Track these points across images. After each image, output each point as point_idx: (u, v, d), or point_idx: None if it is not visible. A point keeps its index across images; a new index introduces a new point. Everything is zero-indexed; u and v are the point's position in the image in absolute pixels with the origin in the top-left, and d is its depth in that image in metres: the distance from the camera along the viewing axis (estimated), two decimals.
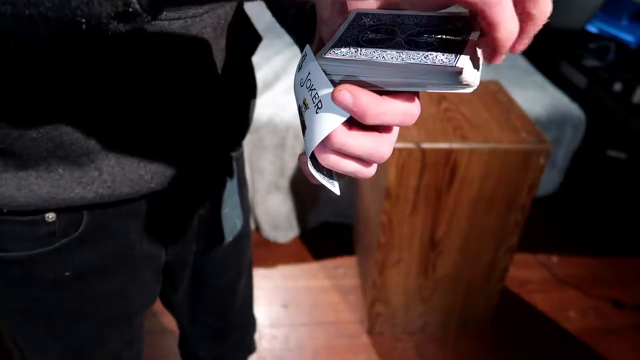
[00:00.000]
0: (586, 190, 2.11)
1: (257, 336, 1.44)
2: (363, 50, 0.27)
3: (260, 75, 1.73)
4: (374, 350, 1.44)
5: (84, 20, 0.24)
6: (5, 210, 0.46)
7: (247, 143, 1.58)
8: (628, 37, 2.31)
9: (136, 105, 0.45)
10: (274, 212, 1.72)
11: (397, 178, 1.13)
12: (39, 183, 0.44)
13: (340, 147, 0.28)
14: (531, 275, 1.72)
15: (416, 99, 0.29)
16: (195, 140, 0.51)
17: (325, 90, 0.28)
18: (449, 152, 1.10)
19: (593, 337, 1.50)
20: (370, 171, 0.31)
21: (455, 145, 1.10)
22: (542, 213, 1.91)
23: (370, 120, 0.27)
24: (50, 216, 0.47)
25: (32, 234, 0.48)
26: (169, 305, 0.76)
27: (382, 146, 0.29)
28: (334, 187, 0.33)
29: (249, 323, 0.86)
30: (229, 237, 0.65)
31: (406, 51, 0.26)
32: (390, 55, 0.26)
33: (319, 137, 0.29)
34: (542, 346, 1.48)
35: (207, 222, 0.63)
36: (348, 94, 0.27)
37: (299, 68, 0.31)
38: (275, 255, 1.75)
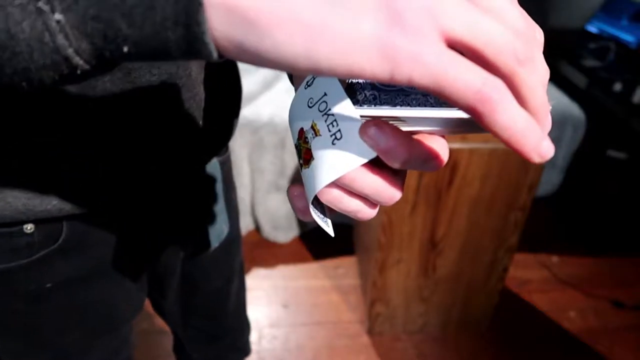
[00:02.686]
0: (586, 190, 2.11)
1: (257, 336, 1.44)
2: (396, 103, 0.24)
3: (261, 75, 1.73)
4: (374, 350, 1.44)
5: (24, 84, 0.22)
6: None
7: (247, 143, 1.58)
8: (628, 37, 2.31)
9: (112, 120, 0.43)
10: (274, 212, 1.72)
11: None
12: (15, 195, 0.43)
13: (349, 183, 0.25)
14: (531, 275, 1.72)
15: (446, 142, 0.26)
16: (175, 151, 0.49)
17: (350, 121, 0.24)
18: (449, 152, 1.10)
19: (593, 337, 1.50)
20: (372, 213, 0.27)
21: (455, 145, 1.10)
22: (542, 213, 1.91)
23: (400, 165, 0.23)
24: (29, 227, 0.46)
25: (10, 245, 0.46)
26: (160, 311, 0.75)
27: (394, 186, 0.26)
28: (328, 227, 0.28)
29: (243, 326, 0.85)
30: (215, 243, 0.64)
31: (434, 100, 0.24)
32: (422, 106, 0.24)
33: (333, 175, 0.24)
34: (542, 346, 1.48)
35: (192, 229, 0.62)
36: (381, 133, 0.23)
37: (308, 85, 0.26)
38: (275, 255, 1.75)
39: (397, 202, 1.18)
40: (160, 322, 0.79)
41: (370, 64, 0.19)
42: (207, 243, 0.63)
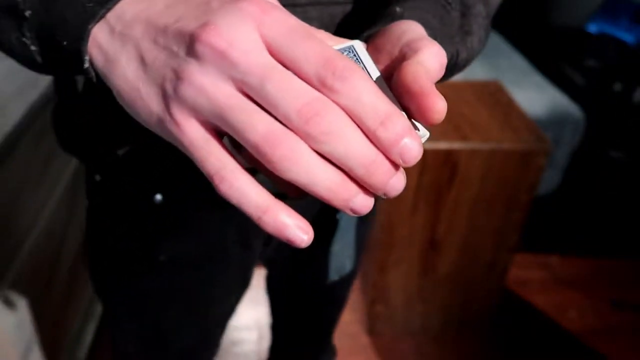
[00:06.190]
0: (586, 190, 2.11)
1: (257, 336, 1.44)
2: None
3: None
4: (374, 350, 1.44)
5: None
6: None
7: None
8: (628, 37, 2.31)
9: None
10: None
11: None
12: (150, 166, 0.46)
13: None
14: (531, 275, 1.72)
15: None
16: None
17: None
18: (449, 152, 1.10)
19: (593, 337, 1.50)
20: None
21: (455, 145, 1.10)
22: (542, 213, 1.91)
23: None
24: (159, 197, 0.48)
25: (141, 214, 0.50)
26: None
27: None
28: None
29: (327, 349, 0.88)
30: (334, 276, 0.61)
31: None
32: None
33: None
34: (542, 346, 1.48)
35: (311, 255, 0.60)
36: None
37: None
38: None
39: (397, 202, 1.18)
40: None
41: (160, 131, 0.24)
42: (326, 273, 0.61)
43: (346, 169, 0.21)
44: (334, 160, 0.21)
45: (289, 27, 0.21)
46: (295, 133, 0.20)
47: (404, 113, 0.23)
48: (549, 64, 2.30)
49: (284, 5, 0.38)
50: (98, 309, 1.36)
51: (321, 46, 0.21)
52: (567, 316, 1.58)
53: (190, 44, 0.21)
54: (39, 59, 0.26)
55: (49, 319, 1.02)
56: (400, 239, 1.25)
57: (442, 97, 0.22)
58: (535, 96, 1.80)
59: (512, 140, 1.13)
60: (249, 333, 1.46)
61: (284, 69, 0.21)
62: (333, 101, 0.21)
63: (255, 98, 0.21)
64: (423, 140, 0.24)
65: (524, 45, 2.18)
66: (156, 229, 0.51)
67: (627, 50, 2.29)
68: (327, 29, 0.40)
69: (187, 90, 0.21)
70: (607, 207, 2.04)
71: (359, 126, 0.21)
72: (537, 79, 1.96)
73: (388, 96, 0.23)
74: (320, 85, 0.21)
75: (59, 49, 0.25)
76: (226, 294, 0.62)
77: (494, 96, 1.33)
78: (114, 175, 0.49)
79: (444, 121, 1.04)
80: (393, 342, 1.47)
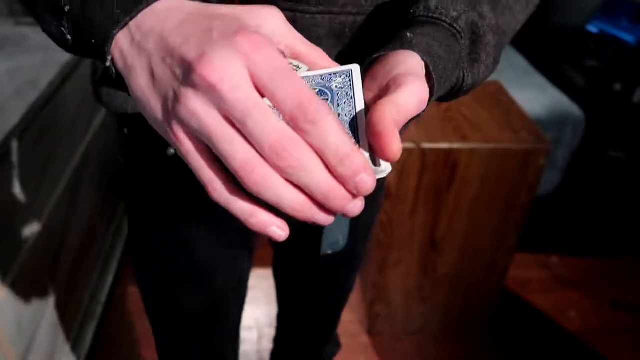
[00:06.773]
0: (586, 190, 2.11)
1: (257, 336, 1.45)
2: None
3: None
4: (374, 350, 1.44)
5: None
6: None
7: None
8: (628, 37, 2.31)
9: None
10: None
11: (397, 178, 1.13)
12: None
13: None
14: (531, 275, 1.72)
15: None
16: None
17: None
18: (449, 152, 1.10)
19: (593, 337, 1.50)
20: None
21: (455, 145, 1.10)
22: (542, 213, 1.91)
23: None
24: (172, 150, 0.52)
25: (159, 165, 0.55)
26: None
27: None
28: None
29: (330, 339, 0.88)
30: (326, 250, 0.63)
31: None
32: None
33: None
34: (542, 346, 1.48)
35: (309, 231, 0.62)
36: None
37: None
38: None
39: (397, 202, 1.18)
40: None
41: (164, 135, 0.28)
42: (319, 247, 0.63)
43: (309, 194, 0.25)
44: (299, 186, 0.25)
45: (274, 67, 0.24)
46: (267, 163, 0.24)
47: (367, 151, 0.27)
48: (549, 64, 2.30)
49: (294, 12, 0.41)
50: (98, 309, 1.36)
51: (299, 89, 0.24)
52: (567, 316, 1.58)
53: (188, 73, 0.25)
54: (72, 46, 0.31)
55: (49, 319, 1.02)
56: (400, 239, 1.25)
57: (399, 139, 0.26)
58: (535, 96, 1.80)
59: (512, 140, 1.13)
60: (249, 333, 1.46)
61: (265, 106, 0.24)
62: (303, 138, 0.24)
63: (238, 127, 0.25)
64: (384, 174, 0.28)
65: (524, 45, 2.18)
66: (168, 180, 0.55)
67: (627, 50, 2.29)
68: (337, 37, 0.43)
69: (182, 112, 0.25)
70: (607, 207, 2.04)
71: (323, 161, 0.24)
72: (537, 79, 1.96)
73: (360, 131, 0.28)
74: (293, 125, 0.24)
75: (88, 43, 0.29)
76: (228, 257, 0.64)
77: (494, 96, 1.33)
78: (136, 129, 0.54)
79: (444, 121, 1.04)
80: (393, 342, 1.47)
